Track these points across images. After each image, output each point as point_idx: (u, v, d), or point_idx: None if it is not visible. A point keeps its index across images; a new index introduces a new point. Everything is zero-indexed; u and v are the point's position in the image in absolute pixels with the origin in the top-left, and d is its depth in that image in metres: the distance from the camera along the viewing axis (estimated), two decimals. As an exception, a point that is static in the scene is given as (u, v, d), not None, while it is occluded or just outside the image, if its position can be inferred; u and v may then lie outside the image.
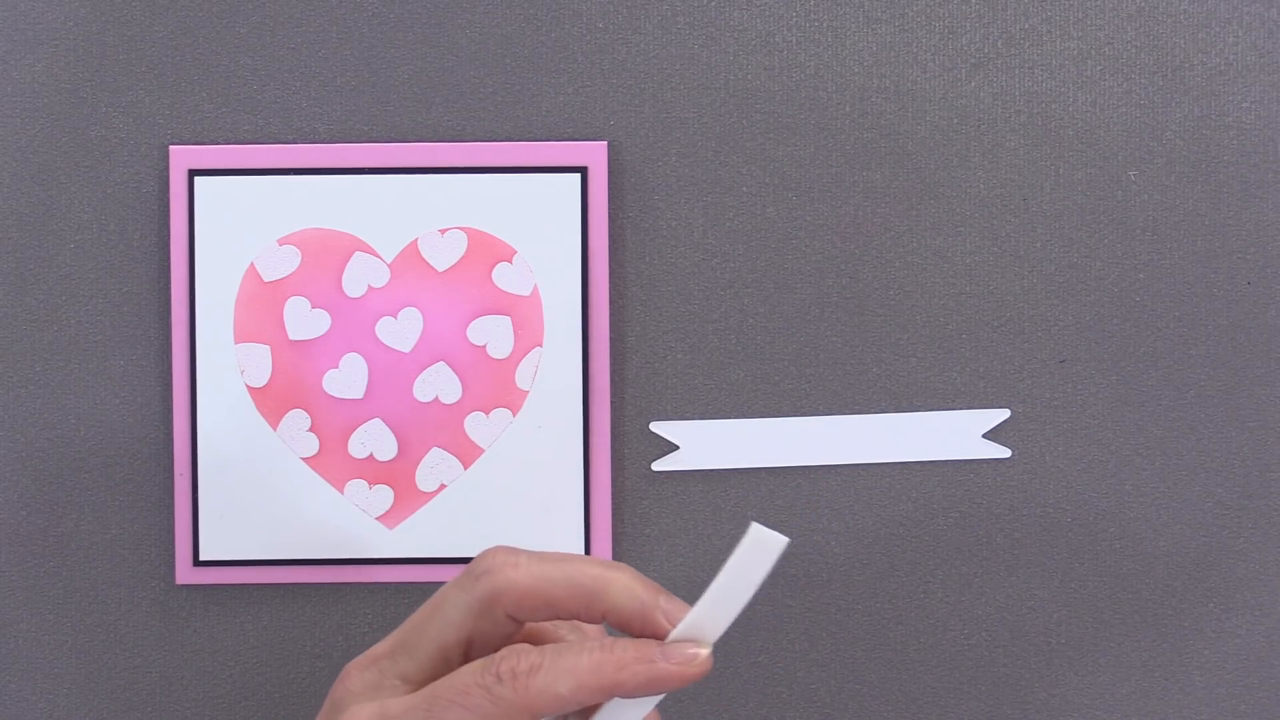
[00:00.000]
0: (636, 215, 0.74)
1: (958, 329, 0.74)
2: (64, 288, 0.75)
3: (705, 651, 0.53)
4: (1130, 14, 0.74)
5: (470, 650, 0.54)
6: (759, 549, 0.54)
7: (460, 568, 0.74)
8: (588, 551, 0.74)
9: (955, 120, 0.74)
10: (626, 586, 0.53)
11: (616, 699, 0.54)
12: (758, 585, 0.54)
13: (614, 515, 0.74)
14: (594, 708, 0.54)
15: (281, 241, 0.74)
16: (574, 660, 0.52)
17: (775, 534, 0.54)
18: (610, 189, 0.74)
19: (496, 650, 0.54)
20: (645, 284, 0.74)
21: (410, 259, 0.74)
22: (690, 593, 0.54)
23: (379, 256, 0.74)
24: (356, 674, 0.54)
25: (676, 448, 0.74)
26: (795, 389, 0.74)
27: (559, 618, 0.53)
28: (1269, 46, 0.74)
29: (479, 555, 0.54)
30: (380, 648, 0.55)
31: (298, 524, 0.74)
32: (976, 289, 0.74)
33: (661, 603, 0.53)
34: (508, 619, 0.53)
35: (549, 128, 0.74)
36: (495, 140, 0.74)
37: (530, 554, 0.54)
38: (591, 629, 0.58)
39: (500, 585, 0.53)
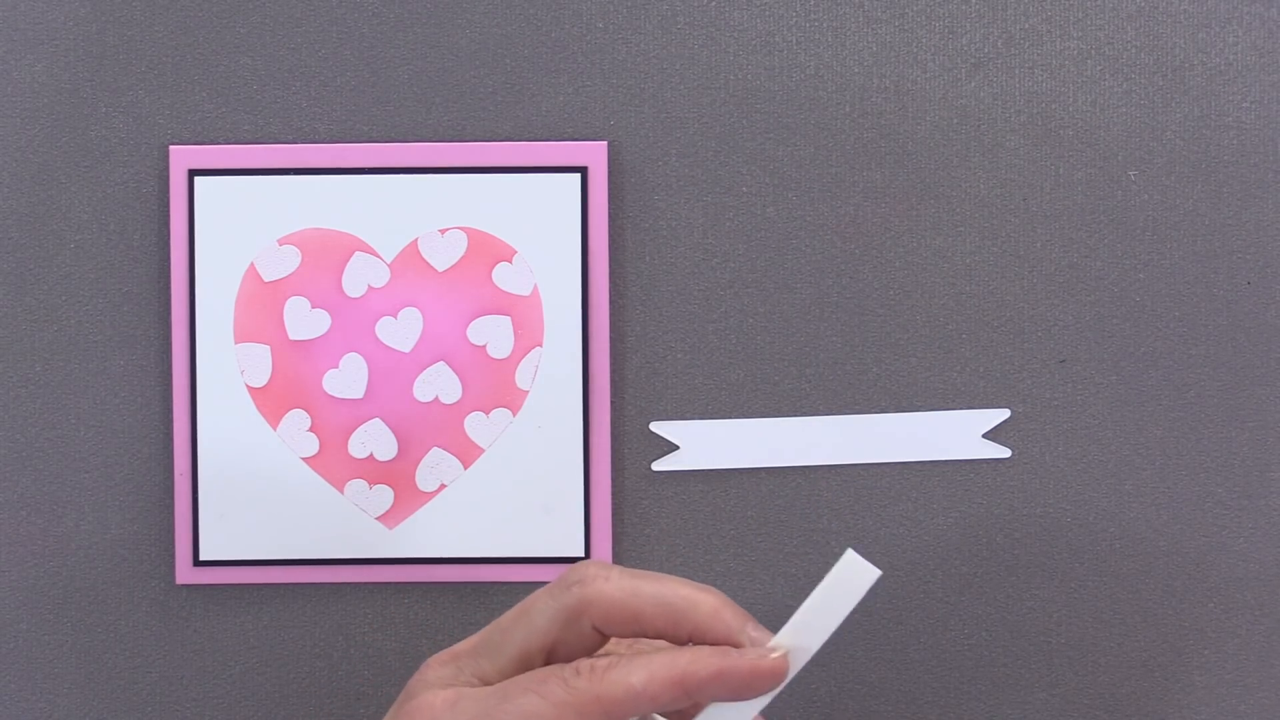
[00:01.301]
0: (636, 215, 0.74)
1: (958, 329, 0.74)
2: (64, 288, 0.75)
3: (778, 654, 0.53)
4: (1130, 14, 0.74)
5: (551, 660, 0.55)
6: (851, 578, 0.54)
7: (459, 567, 0.74)
8: (588, 552, 0.74)
9: (955, 120, 0.74)
10: (715, 610, 0.54)
11: (713, 705, 0.54)
12: (845, 614, 0.54)
13: (614, 515, 0.74)
14: None
15: (281, 241, 0.74)
16: (649, 656, 0.53)
17: (868, 565, 0.54)
18: (610, 189, 0.74)
19: None
20: (645, 284, 0.74)
21: (410, 259, 0.74)
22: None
23: (379, 256, 0.74)
24: (435, 667, 0.56)
25: (676, 448, 0.74)
26: (795, 389, 0.74)
27: (644, 635, 0.54)
28: (1269, 46, 0.74)
29: (572, 566, 0.55)
30: (463, 645, 0.56)
31: (298, 524, 0.74)
32: (976, 289, 0.74)
33: (749, 629, 0.54)
34: (593, 631, 0.55)
35: (549, 128, 0.74)
36: (495, 140, 0.74)
37: (623, 570, 0.55)
38: None
39: (590, 595, 0.54)
